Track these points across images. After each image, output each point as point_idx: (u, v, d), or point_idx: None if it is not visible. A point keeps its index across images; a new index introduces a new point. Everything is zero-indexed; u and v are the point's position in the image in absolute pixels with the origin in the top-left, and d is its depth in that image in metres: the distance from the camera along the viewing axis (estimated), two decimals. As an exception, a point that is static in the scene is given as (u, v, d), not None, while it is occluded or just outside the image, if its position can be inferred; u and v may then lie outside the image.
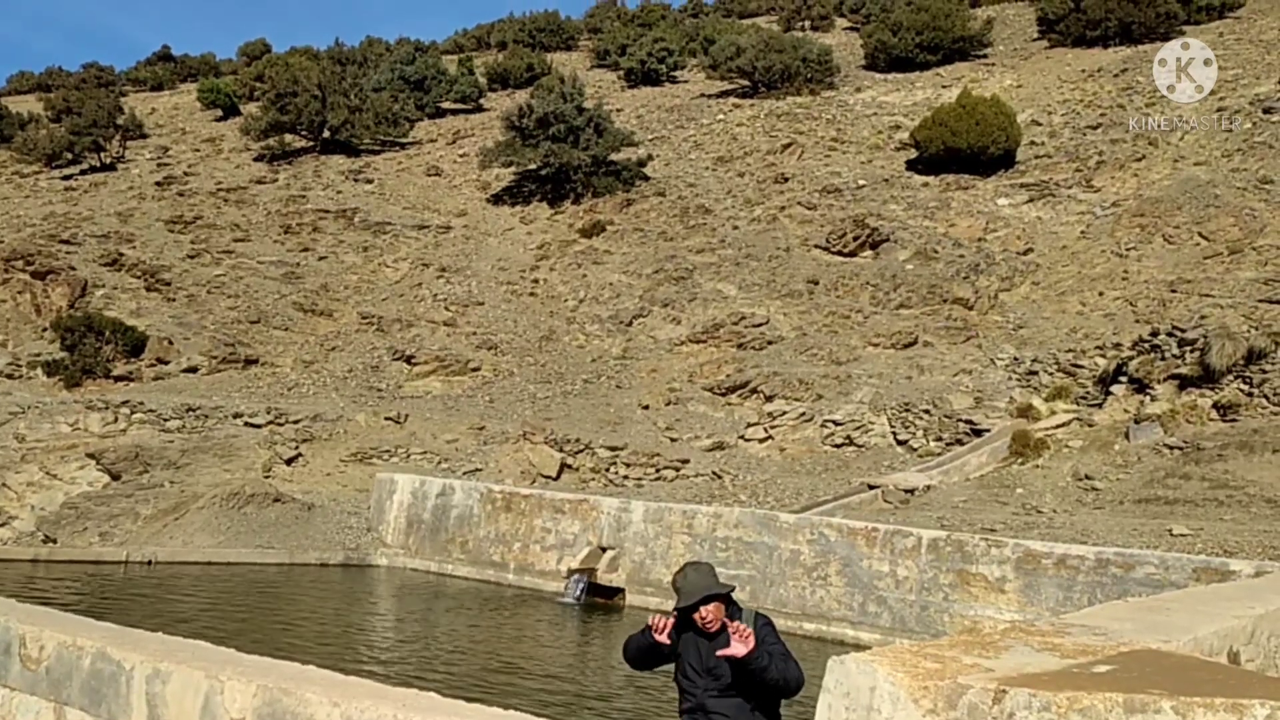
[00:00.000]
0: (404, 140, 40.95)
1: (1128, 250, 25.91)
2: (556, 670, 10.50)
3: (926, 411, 20.20)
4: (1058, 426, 18.52)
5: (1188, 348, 18.24)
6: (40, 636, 6.36)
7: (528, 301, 28.02)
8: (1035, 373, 21.24)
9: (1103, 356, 20.58)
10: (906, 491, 16.86)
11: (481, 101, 46.49)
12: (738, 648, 4.23)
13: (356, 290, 28.44)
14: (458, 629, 12.43)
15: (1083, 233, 27.41)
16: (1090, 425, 18.41)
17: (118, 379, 23.08)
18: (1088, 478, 16.45)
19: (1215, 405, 17.24)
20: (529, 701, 7.97)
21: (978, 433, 19.26)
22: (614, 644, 12.74)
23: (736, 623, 4.30)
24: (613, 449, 20.07)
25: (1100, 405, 19.01)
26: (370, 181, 35.93)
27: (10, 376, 22.82)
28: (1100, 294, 24.67)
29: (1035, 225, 28.28)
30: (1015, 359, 22.22)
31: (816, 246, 28.13)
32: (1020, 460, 17.67)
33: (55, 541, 16.01)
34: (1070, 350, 21.71)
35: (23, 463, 18.25)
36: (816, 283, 26.39)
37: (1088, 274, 25.64)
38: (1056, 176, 29.86)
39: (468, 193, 35.46)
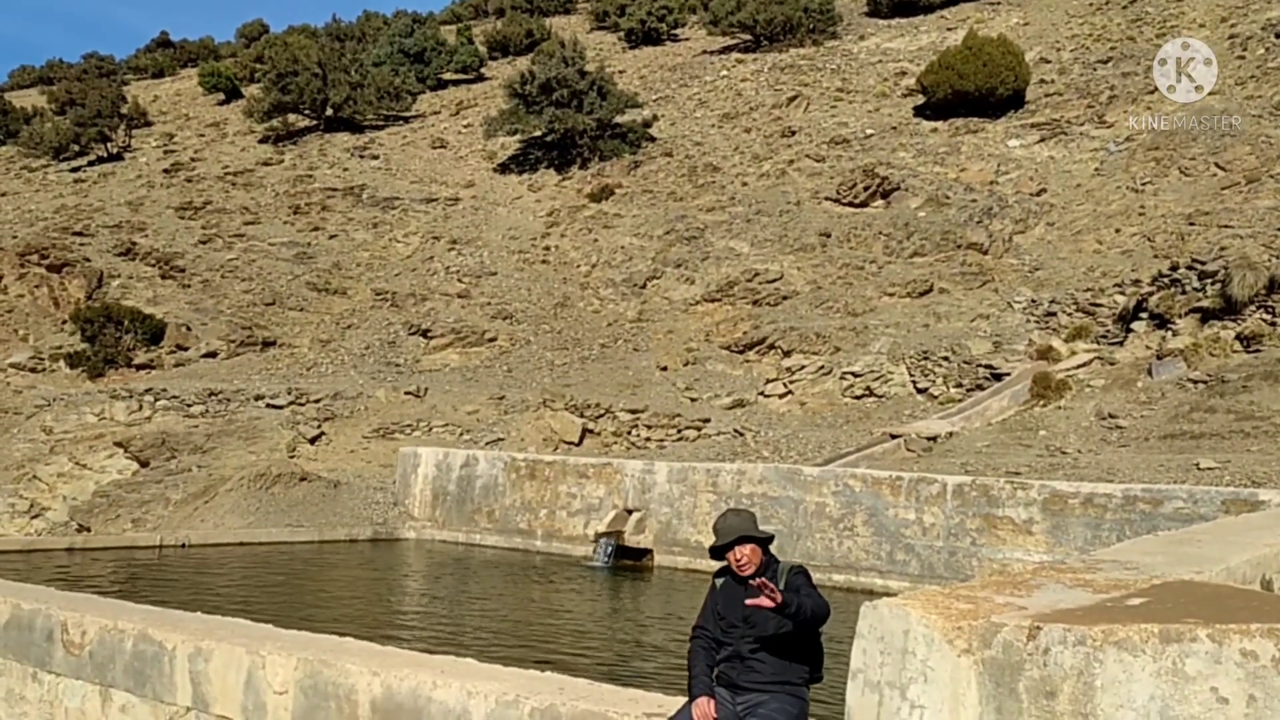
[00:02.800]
0: (407, 114, 40.78)
1: (1143, 185, 25.60)
2: (589, 632, 10.60)
3: (945, 359, 20.12)
4: (1079, 366, 18.42)
5: (1208, 280, 18.05)
6: (81, 622, 6.47)
7: (540, 269, 27.98)
8: (1054, 314, 21.10)
9: (1122, 294, 20.41)
10: (929, 439, 16.84)
11: (483, 70, 46.18)
12: (764, 600, 4.27)
13: (369, 267, 28.48)
14: (489, 597, 12.56)
15: (1097, 170, 27.08)
16: (1112, 364, 18.29)
17: (139, 367, 23.27)
18: (1111, 416, 16.38)
19: (1238, 337, 17.09)
20: (563, 663, 8.06)
21: (998, 377, 19.18)
22: (644, 605, 12.85)
23: (763, 579, 4.32)
24: (633, 412, 20.11)
25: (1121, 343, 18.88)
26: (376, 157, 35.85)
27: (33, 370, 23.04)
28: (1117, 231, 24.42)
29: (1048, 165, 27.95)
30: (1033, 301, 22.07)
31: (827, 199, 27.92)
32: (1042, 402, 17.60)
33: (89, 530, 16.24)
34: (1089, 289, 21.53)
35: (52, 454, 18.48)
36: (829, 235, 26.23)
37: (1103, 212, 25.37)
38: (1068, 114, 29.47)
39: (474, 163, 35.33)
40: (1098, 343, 19.40)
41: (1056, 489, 12.15)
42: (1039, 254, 24.73)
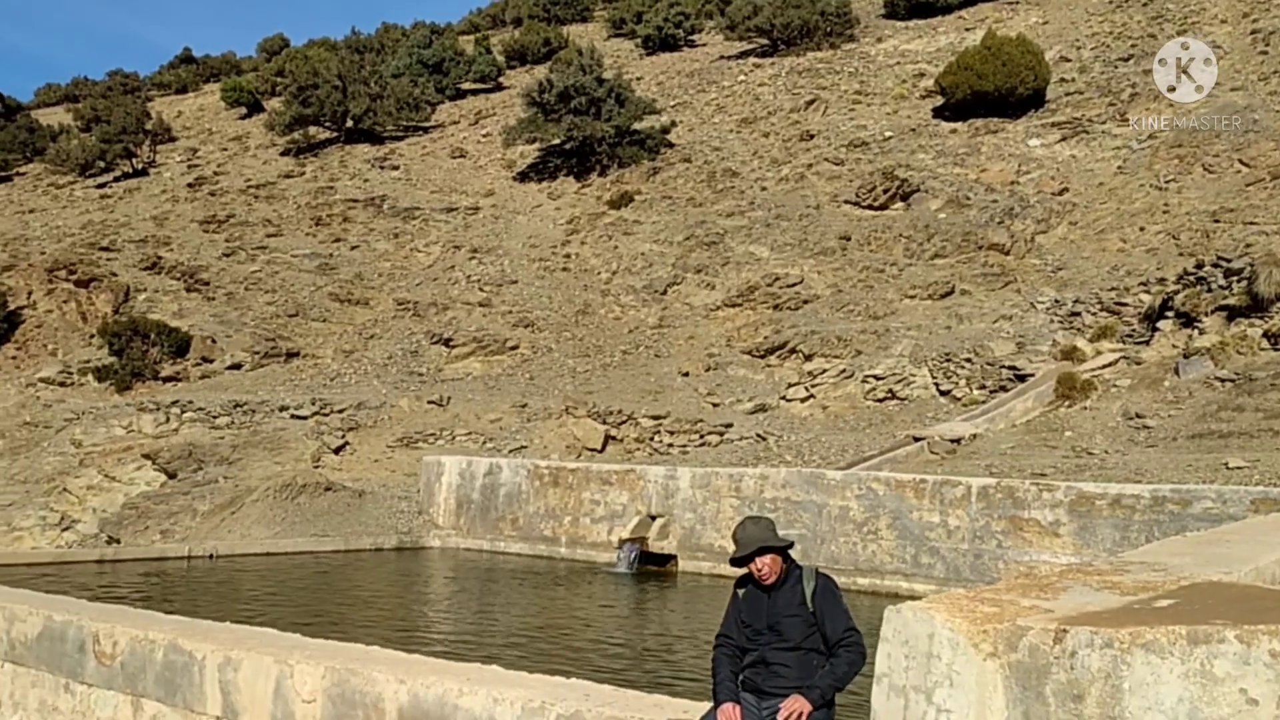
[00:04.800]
0: (426, 124, 41.02)
1: (1167, 183, 25.38)
2: (614, 638, 10.61)
3: (968, 360, 20.01)
4: (1104, 366, 18.27)
5: (1234, 278, 17.87)
6: (113, 633, 6.54)
7: (561, 277, 28.05)
8: (1078, 314, 20.94)
9: (1147, 293, 20.23)
10: (952, 441, 16.75)
11: (501, 80, 46.39)
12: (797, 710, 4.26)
13: (390, 277, 28.64)
14: (514, 604, 12.59)
15: (1119, 168, 26.88)
16: (1138, 363, 18.14)
17: (166, 380, 23.50)
18: (1138, 416, 16.23)
19: (1265, 334, 16.90)
20: (588, 669, 8.07)
21: (1021, 378, 19.05)
22: (668, 611, 12.84)
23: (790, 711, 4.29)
24: (655, 418, 20.12)
25: (1147, 342, 18.72)
26: (396, 168, 36.08)
27: (62, 384, 23.32)
28: (1141, 229, 24.21)
29: (1069, 164, 27.77)
30: (1056, 301, 21.91)
31: (846, 202, 27.86)
32: (1067, 403, 17.47)
33: (119, 541, 16.41)
34: (1113, 289, 21.36)
35: (81, 467, 18.70)
36: (849, 238, 26.16)
37: (1127, 210, 25.17)
38: (1089, 113, 29.27)
39: (493, 172, 35.49)
40: (1123, 342, 19.24)
41: (1083, 490, 12.06)
42: (1062, 254, 24.56)
